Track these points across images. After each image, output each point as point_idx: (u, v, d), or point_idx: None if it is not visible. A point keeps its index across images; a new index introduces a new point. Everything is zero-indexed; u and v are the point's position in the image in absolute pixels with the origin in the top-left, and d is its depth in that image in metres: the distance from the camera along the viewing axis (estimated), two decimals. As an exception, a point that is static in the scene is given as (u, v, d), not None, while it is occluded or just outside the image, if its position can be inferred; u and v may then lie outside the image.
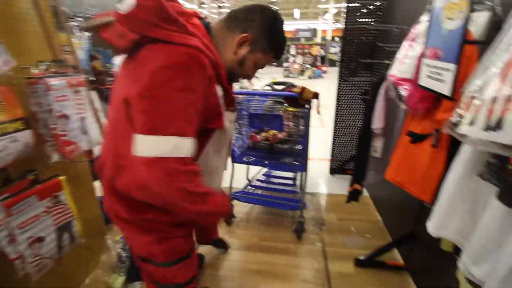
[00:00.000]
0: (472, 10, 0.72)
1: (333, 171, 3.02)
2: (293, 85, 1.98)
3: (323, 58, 14.07)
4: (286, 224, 2.16)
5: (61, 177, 1.27)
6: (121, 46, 0.79)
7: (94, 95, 1.86)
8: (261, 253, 1.86)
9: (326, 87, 8.14)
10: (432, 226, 0.90)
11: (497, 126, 0.47)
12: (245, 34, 0.85)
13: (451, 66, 0.75)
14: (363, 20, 2.49)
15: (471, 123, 0.56)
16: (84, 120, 1.36)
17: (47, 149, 1.27)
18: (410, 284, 1.59)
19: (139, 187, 0.74)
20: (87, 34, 1.90)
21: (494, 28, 0.82)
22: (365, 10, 2.46)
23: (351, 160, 2.92)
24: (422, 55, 0.95)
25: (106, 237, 1.81)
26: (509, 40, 0.54)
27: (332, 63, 14.86)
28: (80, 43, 1.60)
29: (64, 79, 1.25)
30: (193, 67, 0.72)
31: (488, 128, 0.49)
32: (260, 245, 1.94)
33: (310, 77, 12.07)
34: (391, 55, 1.68)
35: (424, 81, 0.94)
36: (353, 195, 1.74)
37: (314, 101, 1.62)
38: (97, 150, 1.81)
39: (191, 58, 0.72)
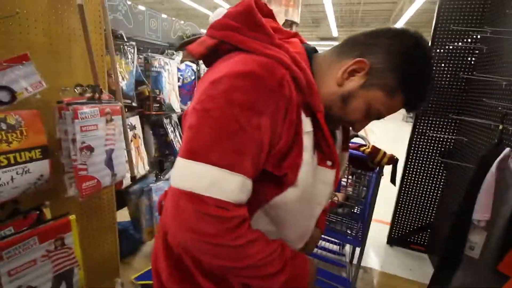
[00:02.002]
0: None
1: (393, 241, 2.45)
2: (355, 136, 1.63)
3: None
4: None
5: (71, 216, 1.09)
6: (196, 52, 0.65)
7: (137, 120, 1.76)
8: None
9: (386, 130, 7.43)
10: None
11: None
12: (360, 59, 0.59)
13: None
14: (450, 64, 2.05)
15: None
16: (112, 153, 1.20)
17: (65, 182, 1.12)
18: None
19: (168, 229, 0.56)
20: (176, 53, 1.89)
21: None
22: (453, 52, 2.03)
23: (419, 231, 2.35)
24: None
25: (116, 279, 1.59)
26: None
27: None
28: (129, 68, 1.52)
29: (97, 107, 1.12)
30: (264, 80, 0.53)
31: None
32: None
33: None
34: (493, 114, 1.24)
35: None
36: (431, 303, 1.26)
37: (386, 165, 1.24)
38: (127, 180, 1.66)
39: (265, 68, 0.53)
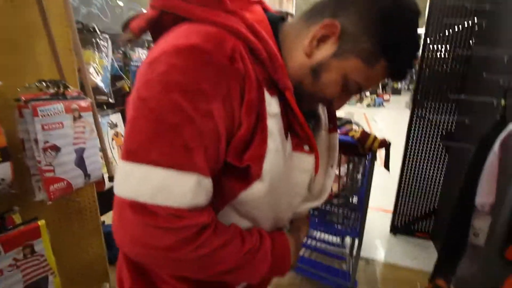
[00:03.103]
0: None
1: (396, 229, 2.37)
2: (348, 122, 1.53)
3: (384, 85, 12.89)
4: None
5: (40, 222, 1.02)
6: (136, 28, 0.52)
7: (118, 118, 1.68)
8: None
9: (388, 119, 7.26)
10: None
11: None
12: (329, 21, 0.48)
13: None
14: (449, 43, 1.93)
15: None
16: (82, 152, 1.12)
17: (33, 185, 1.05)
18: None
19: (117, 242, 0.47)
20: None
21: None
22: (452, 31, 1.91)
23: (423, 218, 2.26)
24: None
25: (105, 284, 1.53)
26: None
27: (395, 91, 13.53)
28: (103, 63, 1.43)
29: (61, 103, 1.04)
30: (211, 56, 0.42)
31: None
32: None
33: (368, 105, 11.06)
34: (494, 90, 1.14)
35: None
36: (433, 296, 1.17)
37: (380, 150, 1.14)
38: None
39: (211, 40, 0.43)
